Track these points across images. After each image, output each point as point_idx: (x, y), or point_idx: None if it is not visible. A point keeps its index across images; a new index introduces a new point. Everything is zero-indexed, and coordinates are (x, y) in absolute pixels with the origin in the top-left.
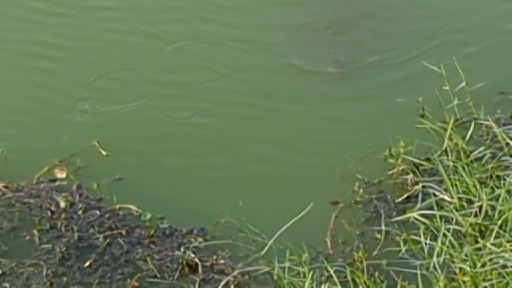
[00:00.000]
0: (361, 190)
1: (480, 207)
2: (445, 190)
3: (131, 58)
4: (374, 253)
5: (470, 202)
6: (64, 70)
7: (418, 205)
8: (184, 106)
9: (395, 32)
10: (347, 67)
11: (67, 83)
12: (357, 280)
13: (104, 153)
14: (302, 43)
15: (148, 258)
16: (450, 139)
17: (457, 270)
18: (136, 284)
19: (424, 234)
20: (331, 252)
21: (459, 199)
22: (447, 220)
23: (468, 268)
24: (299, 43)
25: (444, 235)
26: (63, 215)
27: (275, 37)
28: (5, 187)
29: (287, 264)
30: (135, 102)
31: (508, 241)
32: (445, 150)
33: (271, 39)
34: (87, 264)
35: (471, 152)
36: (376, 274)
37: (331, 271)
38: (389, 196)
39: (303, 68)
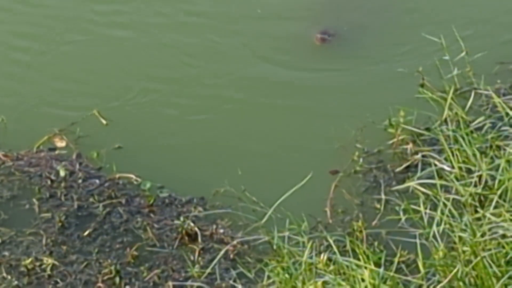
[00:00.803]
0: (361, 160)
1: (480, 177)
2: (445, 159)
3: (121, 53)
4: (374, 222)
5: (470, 172)
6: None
7: (418, 175)
8: (181, 91)
9: (393, 7)
10: (333, 40)
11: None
12: (356, 249)
13: (104, 122)
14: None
15: (147, 227)
16: (450, 109)
17: (456, 240)
18: (136, 253)
19: (423, 203)
20: (330, 221)
21: (459, 168)
22: (447, 190)
23: (467, 237)
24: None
25: (444, 204)
26: (62, 184)
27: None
28: (5, 156)
29: (286, 234)
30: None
31: (507, 211)
32: (445, 120)
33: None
34: (86, 233)
35: (471, 122)
36: (376, 243)
37: (331, 241)
38: (388, 166)
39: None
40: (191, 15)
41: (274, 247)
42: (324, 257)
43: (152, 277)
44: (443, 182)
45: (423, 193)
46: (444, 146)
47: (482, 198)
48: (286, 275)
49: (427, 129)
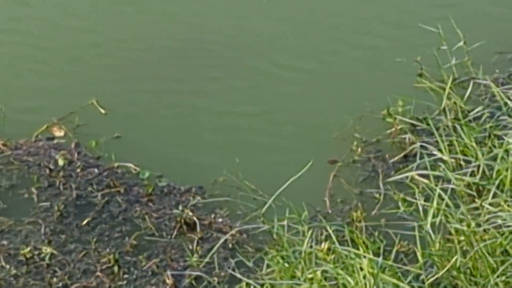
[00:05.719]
0: (360, 149)
1: (478, 166)
2: (439, 150)
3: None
4: (373, 212)
5: (468, 162)
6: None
7: (412, 166)
8: (181, 80)
9: None
10: None
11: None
12: (355, 239)
13: (102, 111)
14: None
15: (146, 217)
16: (449, 98)
17: (452, 230)
18: (134, 242)
19: (421, 194)
20: (329, 211)
21: (455, 159)
22: (446, 180)
23: (463, 228)
24: None
25: (439, 195)
26: (61, 173)
27: None
28: (4, 145)
29: (286, 223)
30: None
31: (505, 201)
32: (444, 110)
33: None
34: (85, 222)
35: (469, 111)
36: (376, 234)
37: (330, 231)
38: (387, 155)
39: None
40: None
41: (274, 236)
42: (324, 246)
43: (150, 266)
44: (437, 173)
45: (420, 183)
46: (437, 137)
47: (480, 188)
48: (286, 264)
49: (424, 119)
